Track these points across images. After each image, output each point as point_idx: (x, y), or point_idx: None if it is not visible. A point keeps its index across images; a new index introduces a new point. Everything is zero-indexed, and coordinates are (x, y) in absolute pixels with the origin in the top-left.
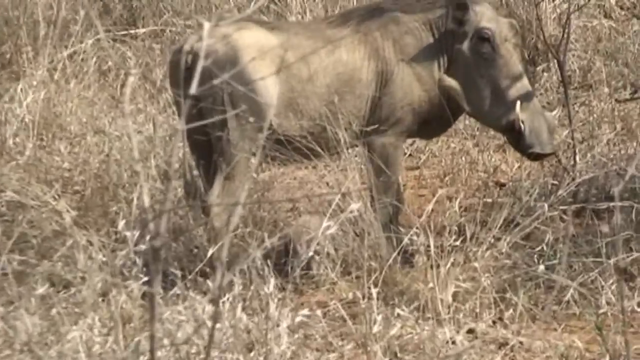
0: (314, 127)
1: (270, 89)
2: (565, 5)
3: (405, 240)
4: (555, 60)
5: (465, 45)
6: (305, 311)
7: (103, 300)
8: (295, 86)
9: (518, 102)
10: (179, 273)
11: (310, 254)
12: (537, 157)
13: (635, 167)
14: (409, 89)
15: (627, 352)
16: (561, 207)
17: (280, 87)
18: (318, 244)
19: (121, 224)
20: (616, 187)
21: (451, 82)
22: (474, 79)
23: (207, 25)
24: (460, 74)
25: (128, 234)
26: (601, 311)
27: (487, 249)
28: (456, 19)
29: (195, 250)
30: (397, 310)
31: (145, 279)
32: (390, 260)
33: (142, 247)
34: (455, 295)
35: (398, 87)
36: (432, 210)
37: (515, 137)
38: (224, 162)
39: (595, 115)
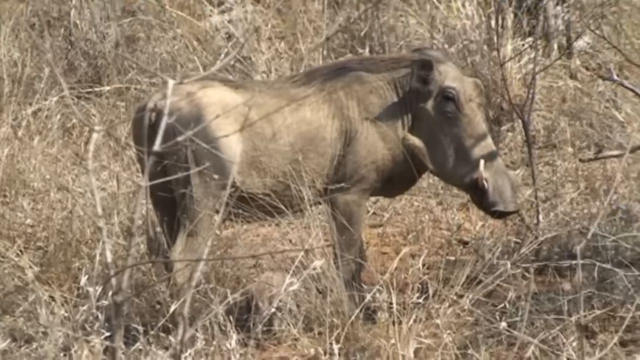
0: (277, 184)
1: (233, 147)
2: (530, 66)
3: (368, 297)
4: (520, 120)
5: (430, 104)
6: None
7: (65, 355)
8: (259, 144)
9: (482, 161)
10: (141, 328)
11: (273, 310)
12: (500, 215)
13: (597, 225)
14: (373, 147)
15: None
16: (523, 265)
17: (244, 145)
18: (280, 300)
19: (83, 279)
20: (578, 245)
21: (415, 140)
22: (438, 138)
23: (171, 83)
24: (424, 132)
25: (90, 289)
26: None
27: (449, 306)
28: (420, 78)
29: (158, 306)
30: None
31: (108, 334)
32: (353, 317)
33: (105, 302)
34: (417, 352)
35: (362, 146)
36: (395, 267)
37: (479, 196)
38: (188, 218)
39: (559, 175)
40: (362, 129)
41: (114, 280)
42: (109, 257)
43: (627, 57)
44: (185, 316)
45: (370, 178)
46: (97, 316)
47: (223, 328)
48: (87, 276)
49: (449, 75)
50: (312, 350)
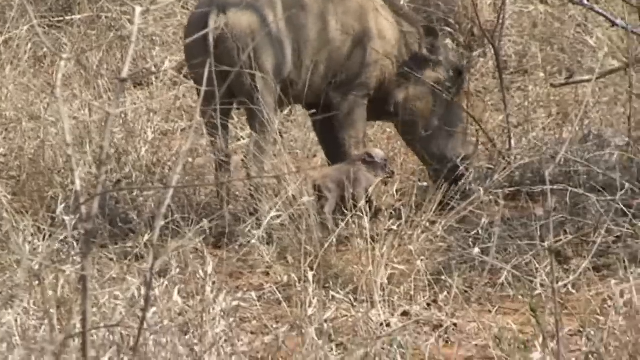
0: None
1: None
2: None
3: (342, 224)
4: (491, 46)
5: None
6: (241, 294)
7: (38, 284)
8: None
9: None
10: (115, 257)
11: (248, 239)
12: None
13: (569, 150)
14: None
15: (558, 334)
16: (496, 191)
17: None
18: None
19: (60, 208)
20: (548, 170)
21: None
22: None
23: (139, 10)
24: None
25: (66, 218)
26: (535, 293)
27: (422, 232)
28: None
29: (132, 235)
30: (332, 293)
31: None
32: (326, 245)
33: (80, 231)
34: (390, 278)
35: None
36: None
37: None
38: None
39: (530, 100)
40: None
41: (84, 209)
42: (79, 185)
43: None
44: (155, 244)
45: None
46: (73, 245)
47: (200, 255)
48: (62, 205)
49: None
50: (285, 277)
